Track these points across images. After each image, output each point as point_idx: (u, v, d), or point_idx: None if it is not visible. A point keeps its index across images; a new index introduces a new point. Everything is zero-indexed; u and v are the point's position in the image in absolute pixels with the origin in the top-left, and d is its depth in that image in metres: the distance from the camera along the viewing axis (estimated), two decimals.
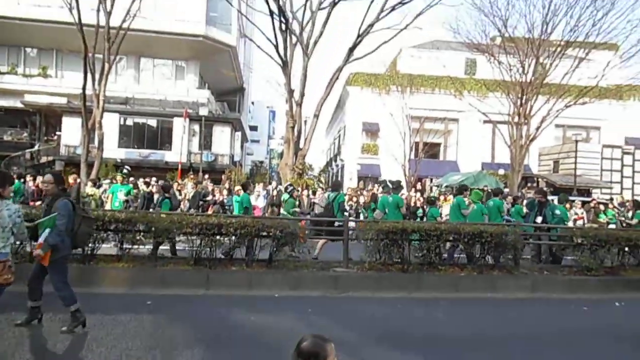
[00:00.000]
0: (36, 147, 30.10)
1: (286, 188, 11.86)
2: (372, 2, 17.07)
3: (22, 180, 13.31)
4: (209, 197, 15.42)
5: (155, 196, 15.88)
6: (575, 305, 7.09)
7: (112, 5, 17.78)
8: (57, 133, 29.95)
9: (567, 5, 18.08)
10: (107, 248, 7.61)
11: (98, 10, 17.77)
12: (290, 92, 17.08)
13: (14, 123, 31.75)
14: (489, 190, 18.79)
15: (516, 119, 19.53)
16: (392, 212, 9.93)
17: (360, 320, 5.79)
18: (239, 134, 34.61)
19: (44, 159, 29.39)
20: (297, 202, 13.45)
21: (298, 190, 12.04)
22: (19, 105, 29.32)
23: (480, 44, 20.51)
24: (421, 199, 16.12)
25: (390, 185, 10.89)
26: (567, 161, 26.03)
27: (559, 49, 18.85)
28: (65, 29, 24.32)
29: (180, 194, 15.48)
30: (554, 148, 28.30)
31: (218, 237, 7.47)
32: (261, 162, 58.65)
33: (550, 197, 12.17)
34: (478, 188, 19.02)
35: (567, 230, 9.44)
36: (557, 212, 9.94)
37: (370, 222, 9.17)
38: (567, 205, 12.96)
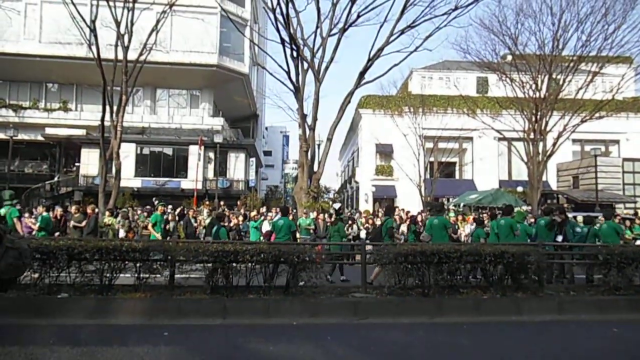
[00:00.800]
0: (56, 179, 30.75)
1: (337, 211, 11.56)
2: (381, 26, 17.28)
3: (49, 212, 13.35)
4: (226, 224, 15.45)
5: (171, 224, 16.08)
6: (605, 327, 6.79)
7: (129, 40, 18.37)
8: (76, 164, 30.63)
9: (578, 20, 18.07)
10: (125, 278, 7.60)
11: (116, 46, 18.36)
12: (303, 116, 17.21)
13: (35, 156, 32.63)
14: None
15: (532, 136, 19.32)
16: (438, 234, 9.63)
17: (382, 348, 5.61)
18: (253, 159, 34.89)
19: (63, 190, 29.96)
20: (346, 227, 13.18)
21: (342, 212, 11.69)
22: (39, 138, 30.15)
23: (491, 62, 20.53)
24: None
25: (434, 208, 10.66)
26: (587, 176, 25.54)
27: (571, 64, 18.74)
28: (84, 65, 25.22)
29: (196, 221, 15.56)
30: (573, 163, 27.84)
31: (234, 264, 7.41)
32: (276, 187, 58.90)
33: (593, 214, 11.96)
34: (498, 207, 18.78)
35: (592, 249, 9.15)
36: (578, 229, 9.68)
37: (388, 245, 9.02)
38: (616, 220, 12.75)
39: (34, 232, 11.21)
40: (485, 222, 13.26)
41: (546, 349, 5.72)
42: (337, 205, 13.37)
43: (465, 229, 15.34)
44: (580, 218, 12.04)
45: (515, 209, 11.29)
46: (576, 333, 6.53)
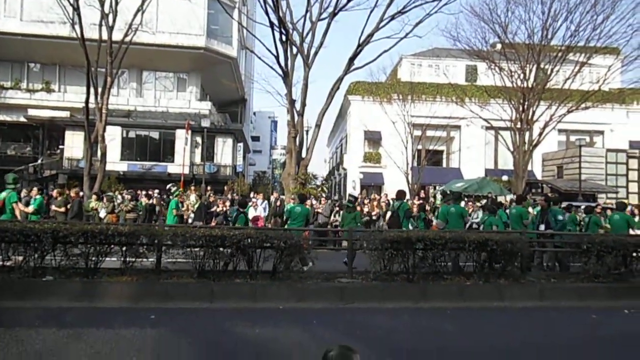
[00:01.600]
0: (39, 161, 30.21)
1: (349, 200, 11.49)
2: (371, 11, 17.17)
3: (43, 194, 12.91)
4: (214, 209, 15.42)
5: (157, 208, 15.99)
6: (584, 313, 6.99)
7: (114, 20, 17.95)
8: (60, 147, 30.08)
9: (567, 10, 18.11)
10: (111, 262, 7.56)
11: (100, 25, 17.94)
12: (292, 102, 17.11)
13: (17, 137, 31.94)
14: (493, 197, 18.76)
15: (518, 125, 19.49)
16: (455, 221, 9.84)
17: (367, 332, 5.70)
18: (241, 144, 34.65)
19: (47, 173, 29.47)
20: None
21: (355, 200, 11.53)
22: (22, 119, 29.51)
23: (480, 50, 20.53)
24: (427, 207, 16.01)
25: (452, 196, 10.80)
26: (571, 166, 25.94)
27: (559, 54, 18.85)
28: (67, 44, 24.60)
29: (183, 206, 15.48)
30: (558, 153, 28.23)
31: (221, 249, 7.42)
32: (264, 173, 58.72)
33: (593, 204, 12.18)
34: (483, 195, 19.02)
35: (574, 237, 9.35)
36: (560, 217, 9.87)
37: (374, 231, 9.10)
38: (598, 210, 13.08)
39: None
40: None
41: (527, 335, 5.87)
42: (355, 194, 13.44)
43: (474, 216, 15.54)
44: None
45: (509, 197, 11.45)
46: (556, 319, 6.71)
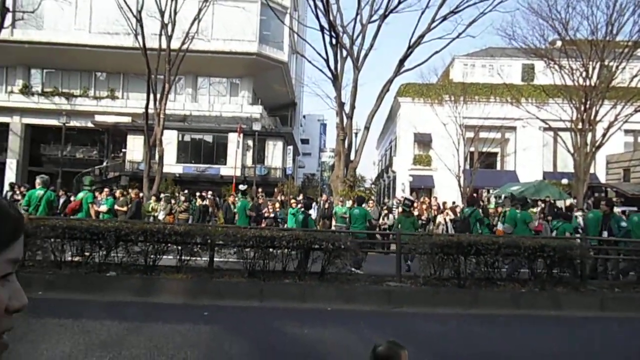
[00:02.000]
0: (104, 164, 32.24)
1: (403, 201, 11.43)
2: (423, 12, 16.92)
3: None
4: (264, 211, 15.76)
5: (210, 209, 16.52)
6: None
7: (172, 30, 18.89)
8: (123, 150, 31.96)
9: (635, 4, 16.99)
10: (168, 260, 7.96)
11: (160, 35, 18.93)
12: (341, 105, 17.18)
13: (85, 142, 34.27)
14: (551, 202, 17.87)
15: (580, 126, 18.47)
16: (521, 227, 9.65)
17: (415, 336, 5.64)
18: (291, 147, 35.21)
19: (111, 175, 31.39)
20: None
21: (412, 203, 11.43)
22: (89, 125, 31.62)
23: (538, 48, 19.67)
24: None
25: (519, 202, 10.57)
26: (639, 169, 24.21)
27: (626, 50, 17.70)
28: (130, 54, 26.09)
29: (235, 207, 15.96)
30: (624, 155, 26.41)
31: (271, 250, 7.61)
32: (313, 175, 59.22)
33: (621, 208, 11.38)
34: (540, 199, 18.16)
35: (637, 244, 8.74)
36: (623, 224, 9.26)
37: (424, 235, 8.97)
38: None
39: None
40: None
41: (584, 345, 5.58)
42: (411, 198, 13.44)
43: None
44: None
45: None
46: (617, 330, 6.31)
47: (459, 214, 12.89)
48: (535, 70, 27.25)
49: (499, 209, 16.09)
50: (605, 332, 6.19)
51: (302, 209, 9.96)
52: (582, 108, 18.25)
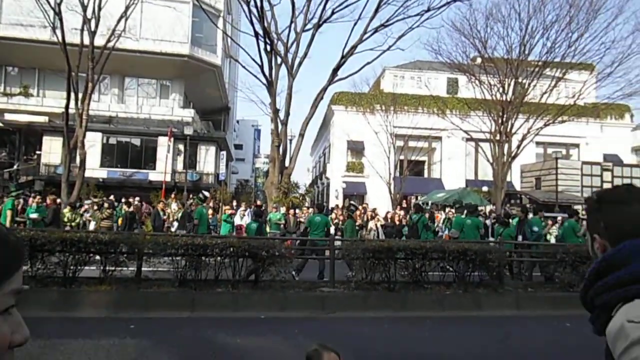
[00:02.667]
0: (15, 167, 29.51)
1: (348, 207, 12.00)
2: (355, 24, 17.44)
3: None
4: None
5: (137, 216, 15.72)
6: (558, 321, 7.16)
7: (96, 25, 17.77)
8: (37, 152, 29.46)
9: (543, 27, 18.70)
10: (89, 270, 7.45)
11: (82, 30, 17.73)
12: (276, 111, 17.17)
13: None
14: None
15: (498, 137, 19.94)
16: (471, 233, 10.33)
17: (348, 341, 5.74)
18: (224, 152, 34.49)
19: (23, 179, 28.78)
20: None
21: (356, 209, 12.27)
22: None
23: (461, 64, 21.01)
24: (407, 217, 16.19)
25: (468, 209, 11.39)
26: (548, 178, 26.56)
27: (536, 69, 19.42)
28: (47, 49, 24.23)
29: (164, 214, 15.33)
30: (536, 165, 28.87)
31: (204, 258, 7.39)
32: (246, 181, 58.40)
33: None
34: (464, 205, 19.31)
35: (550, 247, 9.60)
36: (535, 228, 10.13)
37: (356, 241, 9.19)
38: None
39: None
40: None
41: (503, 342, 6.00)
42: (354, 204, 13.91)
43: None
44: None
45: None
46: (532, 327, 6.86)
47: (408, 220, 13.54)
48: (459, 84, 29.03)
49: (438, 216, 17.03)
50: (522, 329, 6.70)
51: (254, 217, 10.06)
52: (500, 121, 19.72)
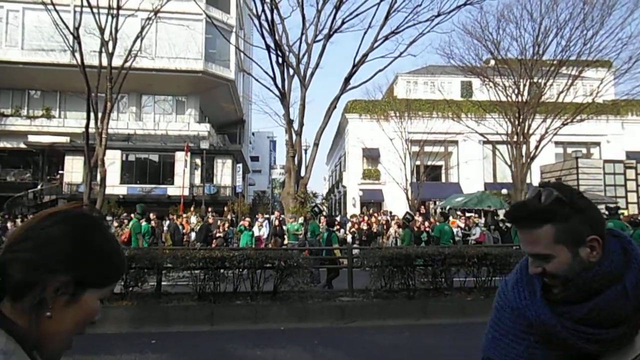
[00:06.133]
0: (39, 187, 30.29)
1: (404, 216, 12.23)
2: (365, 32, 17.46)
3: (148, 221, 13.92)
4: (214, 231, 15.42)
5: (157, 230, 15.97)
6: None
7: (114, 47, 18.24)
8: (60, 172, 30.21)
9: (557, 26, 18.45)
10: None
11: (100, 52, 18.21)
12: (290, 122, 17.27)
13: (17, 164, 32.10)
14: (493, 211, 18.80)
15: (515, 139, 19.65)
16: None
17: (368, 350, 5.69)
18: (240, 165, 34.79)
19: (46, 198, 29.51)
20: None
21: (412, 218, 12.55)
22: (22, 146, 29.70)
23: (474, 67, 20.84)
24: (426, 223, 16.02)
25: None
26: (569, 178, 25.99)
27: (552, 68, 19.12)
28: (67, 71, 24.95)
29: (184, 228, 15.51)
30: (556, 165, 28.32)
31: (222, 270, 7.44)
32: (263, 192, 58.75)
33: None
34: (483, 209, 19.07)
35: None
36: None
37: (374, 249, 9.13)
38: None
39: None
40: None
41: None
42: (410, 212, 14.04)
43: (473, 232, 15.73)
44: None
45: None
46: None
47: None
48: (473, 87, 28.78)
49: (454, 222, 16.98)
50: None
51: (327, 227, 10.51)
52: (516, 122, 19.43)
